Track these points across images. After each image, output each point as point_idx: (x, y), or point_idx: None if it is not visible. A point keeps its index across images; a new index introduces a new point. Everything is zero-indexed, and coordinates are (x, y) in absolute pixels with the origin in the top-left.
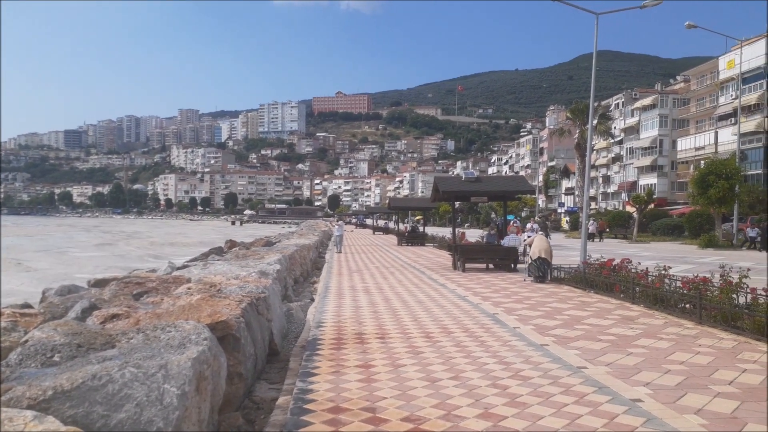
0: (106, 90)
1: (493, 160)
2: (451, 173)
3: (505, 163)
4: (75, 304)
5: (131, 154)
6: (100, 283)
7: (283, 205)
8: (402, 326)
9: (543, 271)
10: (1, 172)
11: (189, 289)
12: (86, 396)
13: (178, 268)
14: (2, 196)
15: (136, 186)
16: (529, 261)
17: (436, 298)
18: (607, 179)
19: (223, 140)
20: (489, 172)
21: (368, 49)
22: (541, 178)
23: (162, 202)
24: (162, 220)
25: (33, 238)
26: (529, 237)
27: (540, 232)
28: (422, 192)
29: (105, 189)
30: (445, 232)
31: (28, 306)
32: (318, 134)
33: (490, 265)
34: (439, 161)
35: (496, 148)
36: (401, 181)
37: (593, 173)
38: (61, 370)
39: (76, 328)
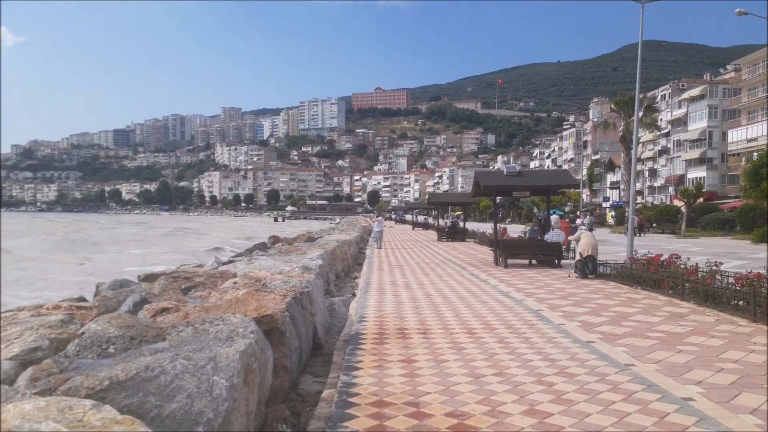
0: (152, 89)
1: (534, 154)
2: (491, 168)
3: (548, 157)
4: (127, 298)
5: (177, 152)
6: (149, 278)
7: (324, 201)
8: (444, 322)
9: (590, 267)
10: (0, 173)
11: (235, 283)
12: (140, 386)
13: (224, 263)
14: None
15: (182, 183)
16: (576, 258)
17: (478, 294)
18: (653, 173)
19: (265, 138)
20: (531, 166)
21: (407, 44)
22: (585, 171)
23: (207, 199)
24: (207, 217)
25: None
26: (579, 232)
27: (584, 228)
28: (462, 187)
29: (152, 186)
30: (486, 227)
31: (83, 299)
32: (357, 130)
33: (533, 261)
34: (479, 156)
35: (537, 142)
36: (441, 177)
37: (639, 166)
38: (116, 361)
39: (129, 321)
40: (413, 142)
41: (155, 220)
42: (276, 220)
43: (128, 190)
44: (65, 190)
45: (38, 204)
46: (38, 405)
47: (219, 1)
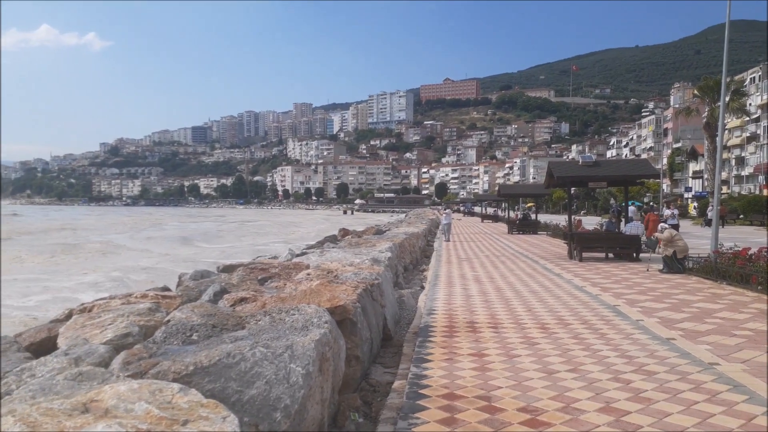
0: (227, 88)
1: (611, 143)
2: (565, 158)
3: (625, 146)
4: (208, 288)
5: (251, 148)
6: (228, 269)
7: (391, 194)
8: (515, 316)
9: (680, 263)
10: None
11: (308, 275)
12: (222, 372)
13: (298, 255)
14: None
15: (256, 178)
16: (662, 253)
17: (551, 289)
18: (741, 161)
19: (334, 132)
20: (607, 156)
21: (476, 33)
22: (665, 161)
23: (280, 193)
24: (280, 210)
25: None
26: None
27: (671, 222)
28: (534, 178)
29: (228, 181)
30: (559, 219)
31: (167, 289)
32: (425, 122)
33: (610, 255)
34: (552, 145)
35: (614, 130)
36: (511, 168)
37: (725, 155)
38: (199, 348)
39: (211, 310)
40: (483, 132)
41: (255, 214)
42: (345, 213)
43: (206, 184)
44: (148, 185)
45: (124, 199)
46: (132, 387)
47: (290, 1)
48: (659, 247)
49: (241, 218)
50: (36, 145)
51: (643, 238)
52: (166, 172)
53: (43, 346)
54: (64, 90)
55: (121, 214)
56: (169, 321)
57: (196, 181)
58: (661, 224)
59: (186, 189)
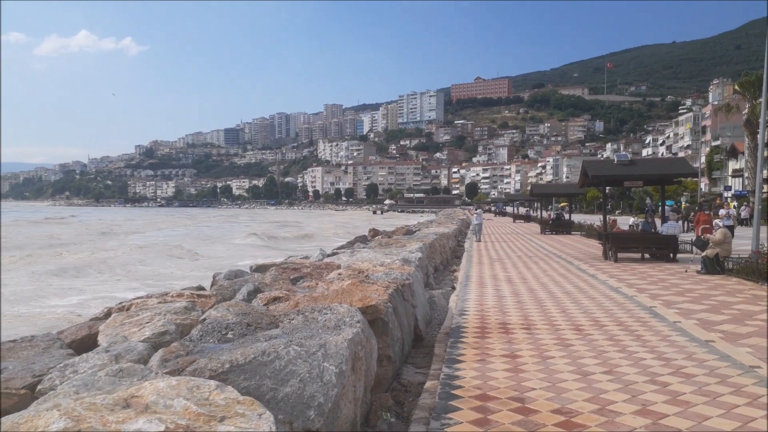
0: (259, 90)
1: (647, 141)
2: (599, 156)
3: (662, 144)
4: (241, 287)
5: (282, 149)
6: (260, 269)
7: (421, 195)
8: (549, 317)
9: (720, 265)
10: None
11: (340, 274)
12: (257, 370)
13: (328, 255)
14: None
15: (287, 179)
16: (705, 254)
17: (585, 290)
18: None
19: (364, 132)
20: (643, 154)
21: (507, 32)
22: (703, 159)
23: (310, 194)
24: (310, 211)
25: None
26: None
27: (725, 222)
28: (567, 177)
29: (260, 182)
30: (594, 219)
31: (202, 288)
32: (456, 122)
33: (646, 255)
34: (586, 144)
35: (650, 128)
36: (544, 167)
37: (766, 152)
38: (234, 346)
39: (245, 309)
40: (514, 131)
41: (292, 215)
42: (375, 213)
43: (238, 185)
44: (182, 186)
45: (158, 200)
46: (170, 383)
47: (321, 1)
48: (709, 248)
49: (292, 218)
50: (74, 148)
51: (691, 238)
52: (200, 173)
53: (84, 343)
54: (101, 94)
55: (174, 215)
56: (204, 319)
57: (228, 183)
58: (716, 222)
59: (219, 190)
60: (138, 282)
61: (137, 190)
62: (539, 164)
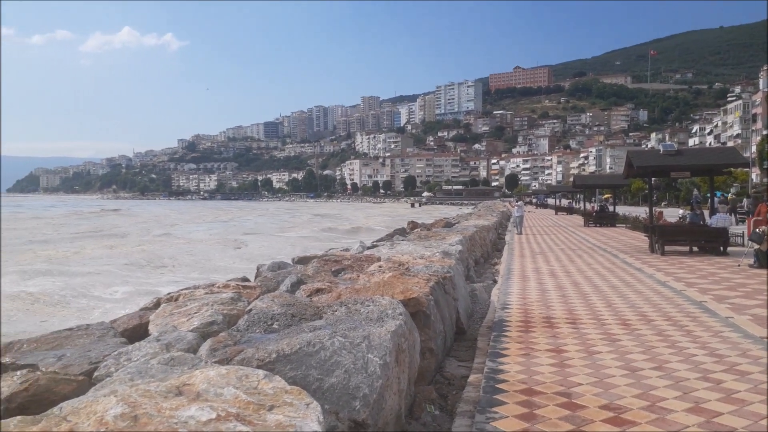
0: (298, 84)
1: (694, 131)
2: (644, 146)
3: (709, 133)
4: (285, 279)
5: (321, 142)
6: (302, 261)
7: (460, 187)
8: (594, 311)
9: None
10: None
11: (380, 267)
12: (303, 360)
13: (368, 248)
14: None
15: (325, 172)
16: (759, 248)
17: (632, 283)
18: None
19: (402, 124)
20: (689, 144)
21: (547, 20)
22: (754, 148)
23: (348, 187)
24: (349, 203)
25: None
26: None
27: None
28: (611, 168)
29: (299, 175)
30: (639, 211)
31: (246, 279)
32: (495, 112)
33: (694, 248)
34: (630, 134)
35: (697, 117)
36: (586, 157)
37: None
38: (280, 336)
39: (290, 300)
40: (555, 121)
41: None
42: (413, 206)
43: (278, 178)
44: (223, 179)
45: (201, 193)
46: (220, 372)
47: (355, 1)
48: (766, 241)
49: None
50: (120, 143)
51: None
52: (241, 166)
53: (136, 332)
54: (144, 89)
55: (221, 208)
56: (251, 310)
57: (269, 176)
58: None
59: (260, 183)
60: (183, 274)
61: (180, 184)
62: (581, 155)
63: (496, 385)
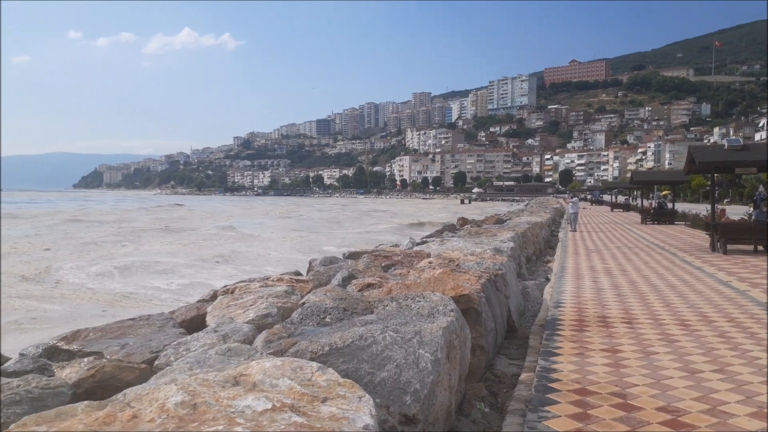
0: (349, 81)
1: (761, 125)
2: (706, 141)
3: None
4: (336, 273)
5: (371, 139)
6: (353, 256)
7: (511, 182)
8: (651, 311)
9: None
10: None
11: (430, 263)
12: (355, 354)
13: (418, 244)
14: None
15: (375, 168)
16: None
17: (692, 283)
18: None
19: (453, 120)
20: (756, 139)
21: (604, 11)
22: None
23: (398, 183)
24: (398, 199)
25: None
26: None
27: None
28: (670, 164)
29: (349, 171)
30: (699, 208)
31: (299, 274)
32: (549, 107)
33: (759, 248)
34: (691, 128)
35: (765, 110)
36: (644, 153)
37: None
38: (332, 329)
39: (341, 294)
40: (612, 116)
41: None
42: (462, 202)
43: (329, 175)
44: (276, 176)
45: (255, 189)
46: (275, 363)
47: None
48: None
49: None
50: (179, 140)
51: None
52: (293, 163)
53: (194, 323)
54: (202, 88)
55: (276, 203)
56: (304, 303)
57: (320, 172)
58: None
59: (311, 180)
60: (237, 267)
61: (235, 180)
62: (639, 150)
63: (549, 384)
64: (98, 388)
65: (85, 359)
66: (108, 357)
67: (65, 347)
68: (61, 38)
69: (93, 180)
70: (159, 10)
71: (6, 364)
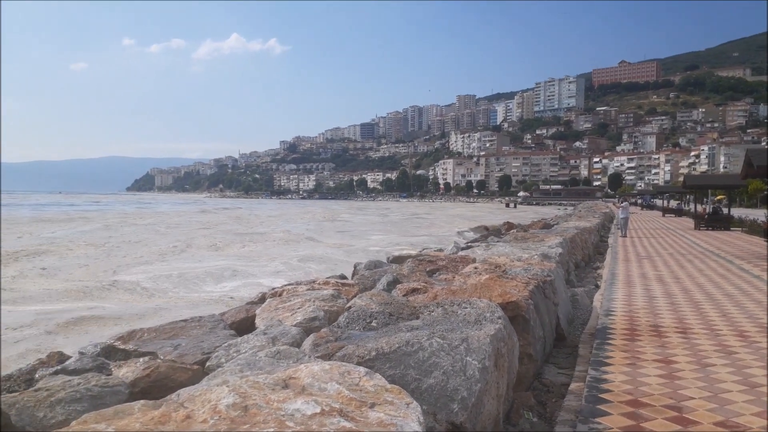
0: (393, 85)
1: None
2: (764, 144)
3: None
4: (381, 278)
5: (415, 142)
6: (397, 260)
7: (558, 186)
8: (707, 321)
9: None
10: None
11: (476, 268)
12: (401, 360)
13: (463, 248)
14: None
15: (419, 171)
16: None
17: (750, 292)
18: None
19: (498, 123)
20: None
21: (655, 11)
22: None
23: (441, 186)
24: (441, 203)
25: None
26: None
27: None
28: (725, 167)
29: (393, 175)
30: (757, 214)
31: (344, 277)
32: (598, 108)
33: None
34: (748, 130)
35: None
36: (697, 156)
37: None
38: (379, 334)
39: (387, 299)
40: (663, 118)
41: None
42: (507, 205)
43: (372, 178)
44: (321, 179)
45: (300, 192)
46: (324, 367)
47: (451, 1)
48: None
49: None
50: (227, 144)
51: None
52: (337, 167)
53: (243, 325)
54: (250, 93)
55: (316, 206)
56: (350, 307)
57: (363, 176)
58: None
59: (355, 183)
60: (283, 268)
61: (281, 183)
62: (692, 153)
63: (600, 395)
64: (153, 388)
65: (141, 359)
66: (162, 357)
67: (122, 347)
68: (116, 45)
69: (145, 183)
70: (209, 17)
71: (67, 362)
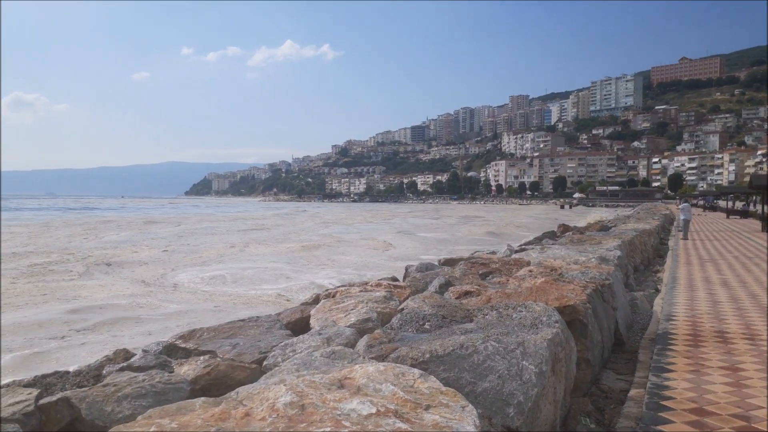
0: (444, 87)
1: None
2: None
3: None
4: (433, 280)
5: (466, 144)
6: (449, 262)
7: (616, 187)
8: None
9: None
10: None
11: (530, 271)
12: (456, 363)
13: (516, 251)
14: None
15: (470, 173)
16: None
17: None
18: None
19: (552, 123)
20: None
21: (717, 4)
22: None
23: (493, 188)
24: (493, 205)
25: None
26: None
27: None
28: None
29: (443, 177)
30: None
31: (395, 279)
32: (657, 107)
33: None
34: None
35: None
36: (765, 155)
37: None
38: (432, 337)
39: (440, 301)
40: (728, 116)
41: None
42: (562, 207)
43: (422, 181)
44: (372, 182)
45: (351, 195)
46: (378, 368)
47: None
48: None
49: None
50: (281, 148)
51: None
52: (388, 170)
53: (298, 325)
54: (303, 98)
55: (370, 209)
56: (403, 309)
57: (414, 179)
58: None
59: (405, 186)
60: (338, 270)
61: (333, 187)
62: (759, 152)
63: (661, 402)
64: (212, 386)
65: (201, 357)
66: (221, 356)
67: (183, 345)
68: (175, 54)
69: (202, 187)
70: (263, 24)
71: (132, 359)
